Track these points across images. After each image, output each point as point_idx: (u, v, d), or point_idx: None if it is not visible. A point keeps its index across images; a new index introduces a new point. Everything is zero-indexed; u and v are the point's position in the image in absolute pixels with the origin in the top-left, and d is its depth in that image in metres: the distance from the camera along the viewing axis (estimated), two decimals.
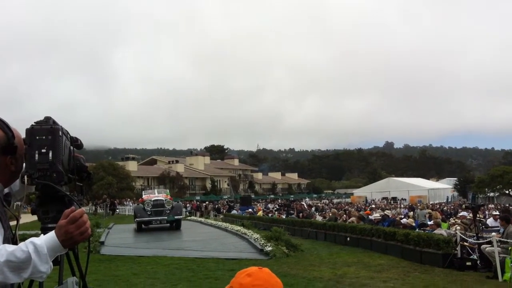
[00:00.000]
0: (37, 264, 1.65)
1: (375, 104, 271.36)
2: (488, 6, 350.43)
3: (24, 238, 1.88)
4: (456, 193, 70.25)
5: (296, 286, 9.54)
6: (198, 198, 64.81)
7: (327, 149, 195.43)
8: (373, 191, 69.09)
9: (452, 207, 39.74)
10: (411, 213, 27.36)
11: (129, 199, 52.65)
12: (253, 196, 71.06)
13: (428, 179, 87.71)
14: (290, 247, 14.90)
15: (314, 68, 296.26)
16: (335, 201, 69.34)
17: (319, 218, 26.20)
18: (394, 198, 61.61)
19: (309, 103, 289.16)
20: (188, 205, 48.51)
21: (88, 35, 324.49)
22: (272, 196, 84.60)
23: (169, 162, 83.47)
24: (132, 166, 71.00)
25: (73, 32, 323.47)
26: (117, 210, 46.63)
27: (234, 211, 38.89)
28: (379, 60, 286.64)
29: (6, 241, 1.78)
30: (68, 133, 2.16)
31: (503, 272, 10.14)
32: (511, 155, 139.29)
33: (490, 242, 11.07)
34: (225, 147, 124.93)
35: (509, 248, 10.68)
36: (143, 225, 22.70)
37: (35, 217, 2.11)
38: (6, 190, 2.01)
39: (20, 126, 2.02)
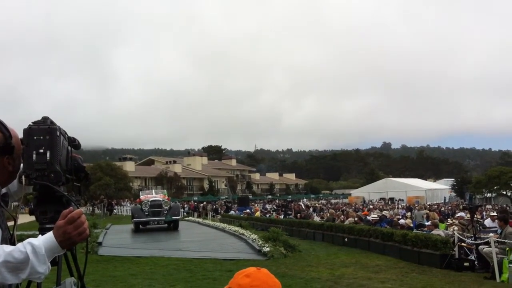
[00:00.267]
0: (35, 264, 1.64)
1: (373, 104, 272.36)
2: (487, 7, 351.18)
3: (21, 238, 1.87)
4: (453, 194, 70.36)
5: (294, 287, 9.54)
6: (195, 198, 64.80)
7: (325, 150, 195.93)
8: (370, 192, 69.19)
9: (449, 207, 39.77)
10: (408, 214, 27.40)
11: (126, 200, 52.56)
12: (250, 196, 71.06)
13: (426, 180, 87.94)
14: (288, 247, 14.89)
15: (311, 68, 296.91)
16: (332, 201, 69.39)
17: (317, 218, 26.23)
18: (391, 199, 61.67)
19: (307, 103, 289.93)
20: (185, 205, 48.46)
21: (87, 35, 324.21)
22: (269, 196, 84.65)
23: (166, 163, 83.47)
24: (129, 167, 70.94)
25: (72, 32, 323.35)
26: (115, 211, 46.55)
27: (231, 212, 38.87)
28: (377, 61, 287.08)
29: (4, 241, 1.78)
30: (65, 133, 2.15)
31: (500, 273, 10.16)
32: (509, 156, 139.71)
33: (487, 243, 11.08)
34: (222, 147, 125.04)
35: (507, 248, 10.71)
36: (140, 226, 22.66)
37: (32, 218, 2.10)
38: (3, 191, 2.00)
39: (18, 126, 2.01)
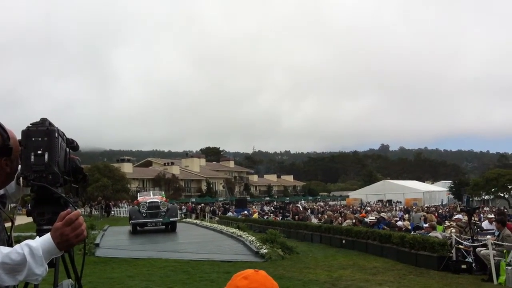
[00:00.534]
0: (32, 266, 1.64)
1: (371, 106, 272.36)
2: (487, 7, 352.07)
3: (19, 240, 1.86)
4: (451, 196, 70.39)
5: None
6: (193, 200, 64.75)
7: (323, 152, 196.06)
8: (368, 194, 69.20)
9: (447, 209, 39.83)
10: (406, 216, 27.42)
11: (124, 201, 52.51)
12: (248, 198, 71.05)
13: (424, 182, 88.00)
14: (286, 249, 14.89)
15: (311, 68, 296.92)
16: (330, 203, 69.39)
17: (314, 220, 26.22)
18: (389, 201, 61.69)
19: (305, 105, 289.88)
20: (183, 207, 48.43)
21: (87, 35, 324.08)
22: (267, 198, 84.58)
23: (164, 164, 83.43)
24: (127, 168, 70.86)
25: (72, 32, 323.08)
26: (112, 212, 46.53)
27: (229, 213, 38.86)
28: (375, 62, 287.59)
29: (1, 243, 1.78)
30: (64, 134, 2.15)
31: (498, 275, 10.18)
32: (506, 158, 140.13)
33: (485, 245, 11.10)
34: (220, 149, 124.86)
35: (504, 251, 10.72)
36: (138, 227, 22.64)
37: (30, 219, 2.09)
38: (1, 192, 2.00)
39: (16, 128, 2.01)
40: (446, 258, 11.79)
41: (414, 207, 38.25)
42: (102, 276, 10.80)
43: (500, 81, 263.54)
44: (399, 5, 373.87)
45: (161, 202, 22.92)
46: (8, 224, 1.94)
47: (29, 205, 2.05)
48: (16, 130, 1.99)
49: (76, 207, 1.98)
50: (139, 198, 24.70)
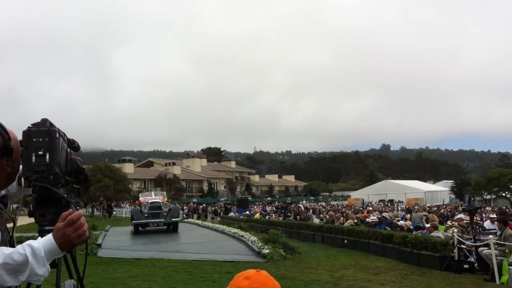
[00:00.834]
0: (35, 267, 1.64)
1: (371, 106, 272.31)
2: (487, 7, 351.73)
3: (21, 240, 1.87)
4: (452, 196, 70.33)
5: None
6: (195, 200, 64.81)
7: (324, 152, 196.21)
8: (370, 194, 69.17)
9: (449, 209, 39.77)
10: (408, 216, 27.37)
11: (126, 202, 52.57)
12: (250, 198, 71.00)
13: (425, 182, 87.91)
14: (288, 249, 14.89)
15: (311, 68, 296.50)
16: (332, 203, 69.37)
17: (316, 220, 26.21)
18: (391, 201, 61.66)
19: (305, 105, 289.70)
20: (185, 207, 48.47)
21: (87, 35, 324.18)
22: (269, 198, 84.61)
23: (166, 164, 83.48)
24: (128, 168, 70.93)
25: (72, 32, 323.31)
26: (114, 213, 46.55)
27: (231, 214, 38.87)
28: (375, 62, 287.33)
29: (3, 243, 1.77)
30: (65, 135, 2.15)
31: (500, 275, 10.15)
32: (508, 158, 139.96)
33: (487, 245, 11.08)
34: (222, 149, 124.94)
35: (506, 250, 10.71)
36: (140, 228, 22.67)
37: (32, 220, 2.09)
38: (2, 192, 2.00)
39: (17, 128, 2.01)
40: (448, 258, 11.77)
41: (415, 207, 38.21)
42: (104, 276, 10.82)
43: (500, 81, 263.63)
44: (399, 5, 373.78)
45: (162, 202, 22.95)
46: (10, 225, 1.94)
47: (31, 205, 2.05)
48: (16, 131, 1.99)
49: (77, 207, 1.98)
50: (140, 198, 24.74)
